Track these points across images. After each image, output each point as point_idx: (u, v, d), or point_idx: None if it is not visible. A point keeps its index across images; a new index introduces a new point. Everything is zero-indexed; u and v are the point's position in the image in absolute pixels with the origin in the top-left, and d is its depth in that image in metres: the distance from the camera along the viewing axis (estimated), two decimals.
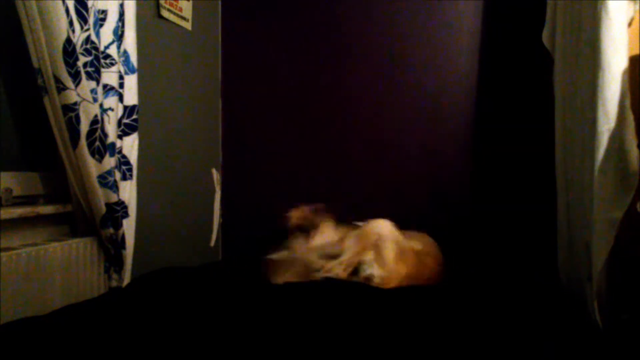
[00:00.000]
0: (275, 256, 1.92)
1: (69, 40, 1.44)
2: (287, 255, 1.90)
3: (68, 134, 1.53)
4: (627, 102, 1.32)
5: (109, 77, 1.67)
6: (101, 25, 1.63)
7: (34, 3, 1.39)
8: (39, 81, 1.49)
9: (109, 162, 1.64)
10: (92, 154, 1.57)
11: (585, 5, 1.48)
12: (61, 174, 1.67)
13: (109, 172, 1.64)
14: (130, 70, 1.78)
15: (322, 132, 2.56)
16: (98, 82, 1.60)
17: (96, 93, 1.58)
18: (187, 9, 2.31)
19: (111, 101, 1.68)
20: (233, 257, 2.59)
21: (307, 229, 2.02)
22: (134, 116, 1.80)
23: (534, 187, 2.16)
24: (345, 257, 1.77)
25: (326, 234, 2.00)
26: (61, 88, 1.47)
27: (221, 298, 1.52)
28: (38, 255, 1.48)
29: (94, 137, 1.57)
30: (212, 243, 2.58)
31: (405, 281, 1.70)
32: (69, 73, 1.46)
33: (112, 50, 1.67)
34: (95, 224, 1.67)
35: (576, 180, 1.58)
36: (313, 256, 1.84)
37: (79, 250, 1.63)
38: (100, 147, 1.59)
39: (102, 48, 1.63)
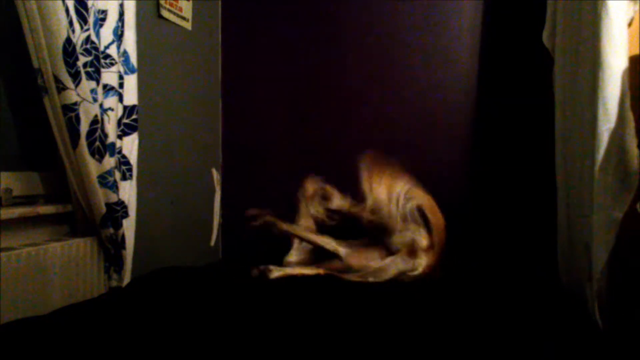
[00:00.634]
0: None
1: (69, 40, 1.44)
2: None
3: (68, 134, 1.53)
4: (627, 102, 1.31)
5: (109, 77, 1.67)
6: (101, 25, 1.63)
7: (34, 3, 1.39)
8: (39, 81, 1.49)
9: (109, 162, 1.64)
10: (92, 154, 1.57)
11: (585, 5, 1.48)
12: (61, 174, 1.67)
13: (109, 172, 1.64)
14: (130, 70, 1.78)
15: (322, 132, 2.56)
16: (98, 82, 1.60)
17: (96, 93, 1.58)
18: (187, 9, 2.31)
19: (111, 101, 1.68)
20: (233, 257, 2.59)
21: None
22: (134, 116, 1.80)
23: (534, 187, 2.16)
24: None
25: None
26: (61, 88, 1.47)
27: (221, 298, 1.52)
28: (38, 255, 1.48)
29: (94, 137, 1.57)
30: (212, 243, 2.58)
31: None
32: (69, 73, 1.46)
33: (112, 50, 1.67)
34: (95, 224, 1.67)
35: (576, 180, 1.58)
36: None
37: (79, 250, 1.63)
38: (100, 147, 1.59)
39: (102, 48, 1.64)
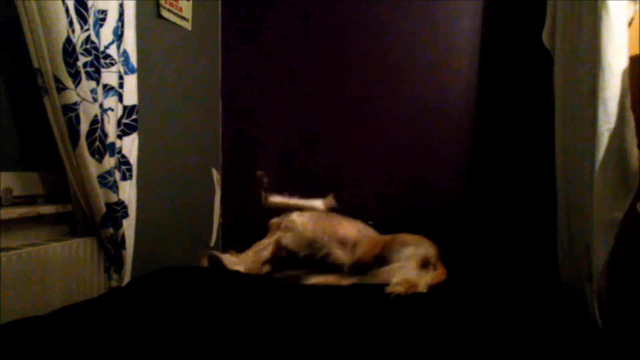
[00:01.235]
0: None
1: (69, 40, 1.44)
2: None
3: (68, 134, 1.53)
4: (627, 102, 1.31)
5: (109, 77, 1.67)
6: (101, 25, 1.63)
7: (34, 3, 1.39)
8: (39, 81, 1.49)
9: (109, 162, 1.64)
10: (92, 154, 1.57)
11: (585, 5, 1.48)
12: (61, 174, 1.67)
13: (109, 172, 1.64)
14: (130, 70, 1.78)
15: (322, 132, 2.56)
16: (98, 82, 1.60)
17: (96, 93, 1.58)
18: (187, 9, 2.31)
19: (111, 101, 1.68)
20: None
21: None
22: (134, 116, 1.80)
23: (534, 187, 2.16)
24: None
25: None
26: (61, 88, 1.47)
27: (220, 298, 1.52)
28: (38, 255, 1.48)
29: (94, 137, 1.57)
30: (212, 243, 2.58)
31: None
32: (69, 73, 1.46)
33: (112, 50, 1.67)
34: (95, 224, 1.67)
35: (576, 180, 1.58)
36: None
37: (79, 250, 1.63)
38: (100, 147, 1.59)
39: (102, 48, 1.63)
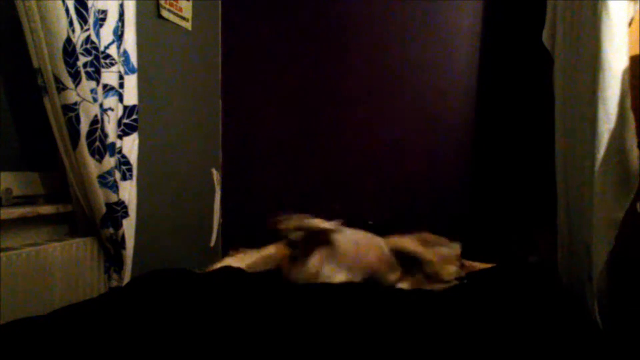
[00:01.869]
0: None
1: (69, 40, 1.44)
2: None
3: (68, 134, 1.53)
4: (627, 102, 1.31)
5: (109, 77, 1.67)
6: (101, 25, 1.63)
7: (34, 3, 1.39)
8: (39, 81, 1.49)
9: (109, 162, 1.64)
10: (92, 154, 1.57)
11: (585, 5, 1.47)
12: (61, 174, 1.67)
13: (109, 172, 1.64)
14: (130, 70, 1.78)
15: (322, 132, 2.56)
16: (98, 82, 1.60)
17: (96, 93, 1.58)
18: (187, 9, 2.31)
19: (111, 101, 1.68)
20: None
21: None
22: (134, 116, 1.80)
23: (534, 187, 2.16)
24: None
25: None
26: (61, 88, 1.47)
27: (220, 298, 1.52)
28: (38, 255, 1.48)
29: (94, 137, 1.57)
30: (212, 243, 2.58)
31: None
32: (69, 73, 1.46)
33: (112, 50, 1.67)
34: (95, 224, 1.67)
35: (576, 180, 1.58)
36: None
37: (79, 250, 1.63)
38: (100, 147, 1.59)
39: (102, 48, 1.64)
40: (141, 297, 1.50)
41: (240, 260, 1.85)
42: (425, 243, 1.84)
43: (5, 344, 1.10)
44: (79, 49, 1.51)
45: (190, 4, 2.33)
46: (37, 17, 1.40)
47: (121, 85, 1.74)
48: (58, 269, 1.55)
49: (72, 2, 1.48)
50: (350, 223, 2.33)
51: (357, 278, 1.72)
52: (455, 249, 1.90)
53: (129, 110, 1.79)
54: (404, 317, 1.37)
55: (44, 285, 1.50)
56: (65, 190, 1.67)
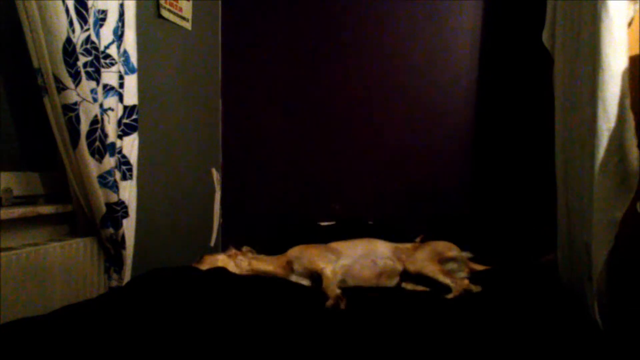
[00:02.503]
0: None
1: (69, 40, 1.44)
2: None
3: (68, 134, 1.53)
4: (627, 102, 1.31)
5: (109, 77, 1.67)
6: (101, 25, 1.63)
7: (34, 3, 1.39)
8: (39, 81, 1.49)
9: (109, 162, 1.64)
10: (92, 154, 1.57)
11: (585, 5, 1.47)
12: (61, 174, 1.67)
13: (109, 172, 1.64)
14: (130, 70, 1.78)
15: (322, 132, 2.56)
16: (98, 82, 1.60)
17: (96, 93, 1.58)
18: (187, 9, 2.31)
19: (111, 101, 1.68)
20: None
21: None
22: (134, 116, 1.80)
23: (534, 186, 2.16)
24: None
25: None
26: (61, 88, 1.47)
27: (220, 298, 1.52)
28: (38, 255, 1.48)
29: (94, 137, 1.57)
30: (212, 243, 2.58)
31: None
32: (69, 73, 1.46)
33: (112, 50, 1.67)
34: (95, 224, 1.67)
35: (576, 180, 1.58)
36: None
37: (79, 250, 1.63)
38: (100, 147, 1.59)
39: (102, 48, 1.64)
40: (141, 297, 1.50)
41: (238, 267, 1.84)
42: (439, 256, 1.82)
43: (5, 344, 1.10)
44: (79, 49, 1.51)
45: (190, 4, 2.33)
46: (37, 17, 1.40)
47: (121, 85, 1.74)
48: (58, 269, 1.55)
49: (72, 2, 1.48)
50: (350, 223, 2.33)
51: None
52: (465, 257, 1.90)
53: (129, 110, 1.79)
54: (411, 315, 1.38)
55: (44, 285, 1.50)
56: (65, 190, 1.67)
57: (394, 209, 2.44)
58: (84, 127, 1.54)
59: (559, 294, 1.65)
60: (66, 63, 1.45)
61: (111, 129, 1.67)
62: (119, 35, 1.70)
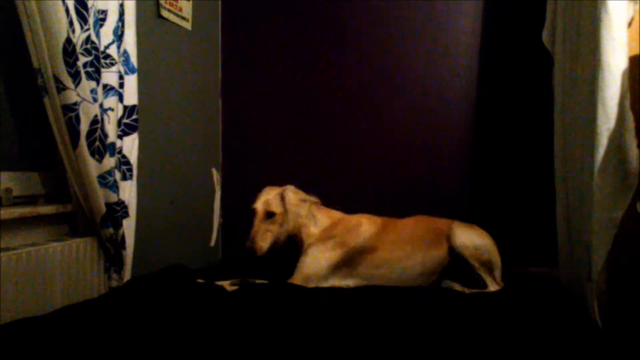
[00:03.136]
0: None
1: (69, 40, 1.44)
2: None
3: (68, 134, 1.53)
4: (627, 102, 1.31)
5: (109, 77, 1.67)
6: (101, 25, 1.63)
7: (34, 3, 1.39)
8: (39, 81, 1.49)
9: (109, 162, 1.64)
10: (92, 154, 1.57)
11: (585, 5, 1.48)
12: (61, 174, 1.67)
13: (109, 172, 1.64)
14: (130, 70, 1.78)
15: (321, 132, 2.56)
16: (98, 82, 1.60)
17: (96, 93, 1.58)
18: (187, 9, 2.31)
19: (111, 101, 1.68)
20: (233, 257, 2.59)
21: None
22: (134, 116, 1.80)
23: (534, 187, 2.16)
24: None
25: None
26: (61, 88, 1.47)
27: (219, 298, 1.52)
28: (38, 255, 1.48)
29: (94, 137, 1.57)
30: (212, 243, 2.58)
31: None
32: (69, 73, 1.46)
33: (112, 50, 1.67)
34: (95, 224, 1.67)
35: (576, 180, 1.58)
36: None
37: (79, 250, 1.63)
38: (100, 147, 1.59)
39: (102, 48, 1.63)
40: (141, 297, 1.50)
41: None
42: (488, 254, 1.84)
43: (5, 344, 1.10)
44: (79, 49, 1.51)
45: (190, 3, 2.33)
46: (37, 17, 1.40)
47: (121, 85, 1.74)
48: (58, 269, 1.54)
49: (72, 2, 1.48)
50: None
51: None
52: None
53: (129, 110, 1.79)
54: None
55: (44, 285, 1.50)
56: (65, 190, 1.67)
57: (394, 208, 2.43)
58: (84, 127, 1.54)
59: (559, 294, 1.65)
60: (66, 63, 1.45)
61: (111, 129, 1.67)
62: (119, 35, 1.70)
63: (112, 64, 1.67)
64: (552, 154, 1.79)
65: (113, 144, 1.69)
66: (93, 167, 1.58)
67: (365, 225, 1.89)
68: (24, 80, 1.58)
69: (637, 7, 1.41)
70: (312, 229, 1.86)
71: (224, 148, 2.68)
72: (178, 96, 2.29)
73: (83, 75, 1.52)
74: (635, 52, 1.44)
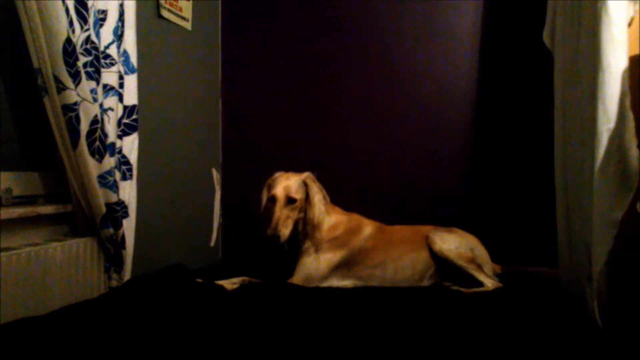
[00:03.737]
0: None
1: (69, 40, 1.44)
2: None
3: (68, 134, 1.53)
4: (627, 102, 1.31)
5: (109, 77, 1.67)
6: (101, 25, 1.63)
7: (34, 3, 1.39)
8: (39, 81, 1.49)
9: (109, 162, 1.64)
10: (92, 154, 1.57)
11: (585, 6, 1.47)
12: (61, 174, 1.67)
13: (109, 172, 1.64)
14: (130, 70, 1.78)
15: (321, 132, 2.56)
16: (98, 82, 1.60)
17: (96, 93, 1.58)
18: (187, 9, 2.31)
19: (111, 101, 1.68)
20: (233, 257, 2.59)
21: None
22: (134, 116, 1.80)
23: (534, 187, 2.16)
24: None
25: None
26: (61, 88, 1.47)
27: (219, 298, 1.52)
28: (38, 255, 1.48)
29: (94, 137, 1.57)
30: (212, 243, 2.58)
31: None
32: (69, 73, 1.46)
33: (112, 50, 1.67)
34: (95, 224, 1.67)
35: (576, 180, 1.58)
36: None
37: (79, 250, 1.63)
38: (100, 147, 1.59)
39: (102, 48, 1.64)
40: (141, 297, 1.50)
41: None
42: (471, 252, 1.86)
43: (5, 344, 1.10)
44: (79, 49, 1.51)
45: (190, 4, 2.33)
46: (37, 17, 1.40)
47: (121, 85, 1.74)
48: (58, 269, 1.55)
49: (72, 2, 1.49)
50: None
51: None
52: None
53: (129, 110, 1.79)
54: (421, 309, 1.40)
55: (44, 285, 1.50)
56: (65, 190, 1.67)
57: (393, 208, 2.44)
58: (84, 127, 1.54)
59: (559, 294, 1.65)
60: (66, 63, 1.45)
61: (111, 129, 1.67)
62: (119, 35, 1.70)
63: (112, 64, 1.68)
64: (552, 154, 1.78)
65: (113, 144, 1.69)
66: (93, 167, 1.58)
67: (366, 227, 1.90)
68: (24, 80, 1.58)
69: (637, 7, 1.41)
70: (325, 226, 1.86)
71: (224, 148, 2.68)
72: (178, 96, 2.30)
73: (83, 75, 1.52)
74: (635, 52, 1.44)
